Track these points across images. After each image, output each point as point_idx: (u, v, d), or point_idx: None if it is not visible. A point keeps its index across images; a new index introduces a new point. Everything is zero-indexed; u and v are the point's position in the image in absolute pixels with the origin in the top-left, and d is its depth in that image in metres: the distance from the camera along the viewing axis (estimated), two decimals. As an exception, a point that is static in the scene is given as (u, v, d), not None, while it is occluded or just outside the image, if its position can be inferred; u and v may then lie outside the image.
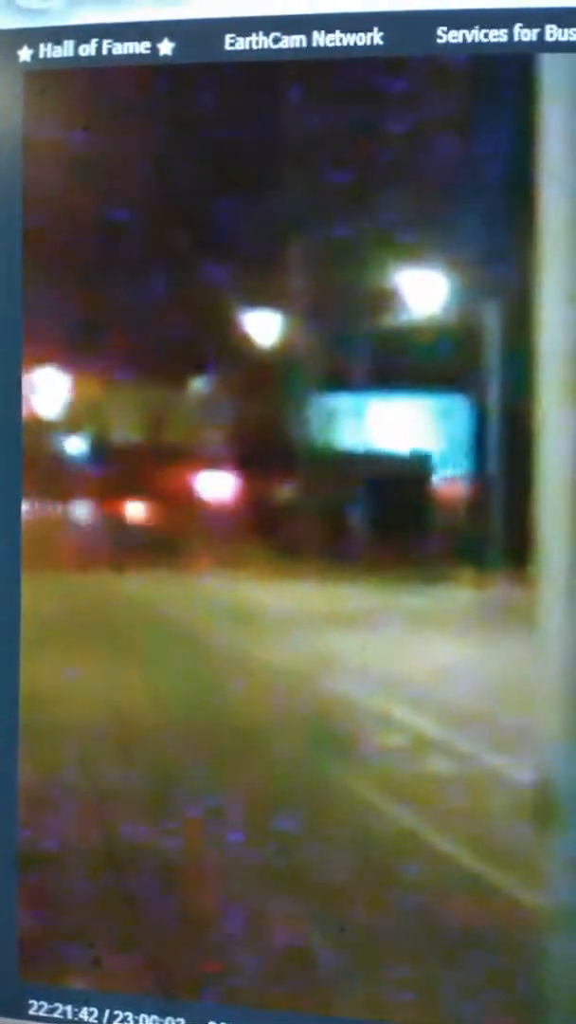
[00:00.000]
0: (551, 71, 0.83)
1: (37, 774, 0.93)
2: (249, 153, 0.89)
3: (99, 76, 0.90)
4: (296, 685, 0.89)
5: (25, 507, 0.92)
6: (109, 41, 0.90)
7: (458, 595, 0.87)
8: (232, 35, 0.87)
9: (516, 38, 0.83)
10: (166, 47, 0.89)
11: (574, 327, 0.84)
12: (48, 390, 0.93)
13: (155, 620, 0.92)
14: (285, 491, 0.90)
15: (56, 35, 0.90)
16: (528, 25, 0.83)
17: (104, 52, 0.90)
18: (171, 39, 0.88)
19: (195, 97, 0.89)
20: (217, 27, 0.87)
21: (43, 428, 0.93)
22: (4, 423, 0.92)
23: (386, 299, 0.87)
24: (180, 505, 0.91)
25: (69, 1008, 0.92)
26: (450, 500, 0.87)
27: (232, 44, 0.87)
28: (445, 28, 0.84)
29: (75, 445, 0.93)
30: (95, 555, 0.93)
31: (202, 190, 0.89)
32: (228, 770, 0.90)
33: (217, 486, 0.91)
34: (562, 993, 0.85)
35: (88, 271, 0.91)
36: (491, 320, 0.86)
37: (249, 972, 0.90)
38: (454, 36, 0.84)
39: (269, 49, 0.87)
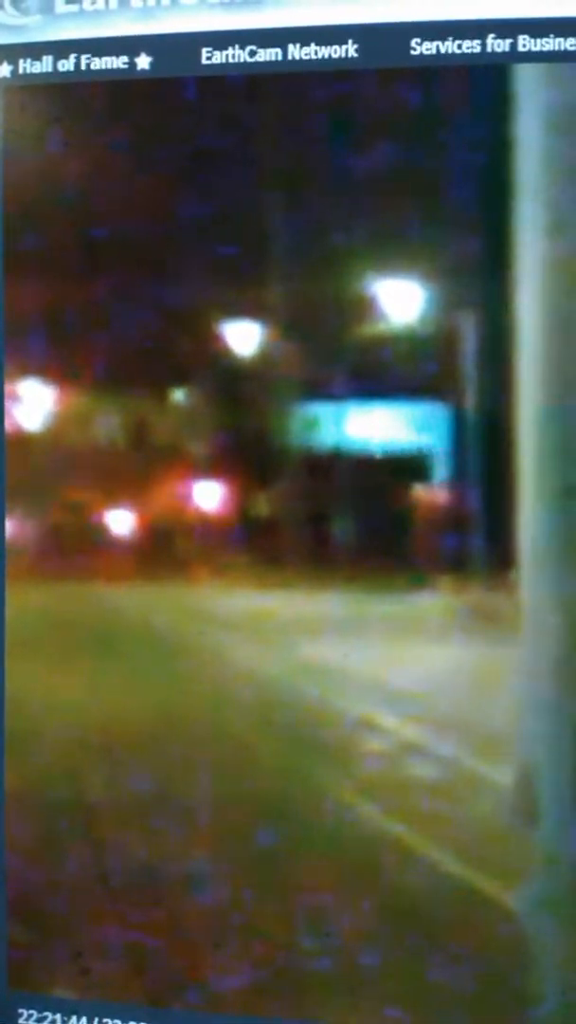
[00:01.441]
0: (524, 80, 0.84)
1: (23, 784, 0.93)
2: (228, 163, 0.89)
3: (78, 91, 0.90)
4: (279, 692, 0.90)
5: (8, 519, 0.93)
6: (88, 56, 0.90)
7: (440, 601, 0.87)
8: (209, 49, 0.88)
9: (489, 48, 0.84)
10: (144, 61, 0.89)
11: (551, 334, 0.85)
12: (30, 401, 0.93)
13: (138, 629, 0.92)
14: (267, 500, 0.91)
15: (35, 51, 0.91)
16: (501, 36, 0.84)
17: (83, 67, 0.90)
18: (148, 53, 0.89)
19: (173, 107, 0.90)
20: (194, 41, 0.88)
21: (26, 440, 0.93)
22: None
23: (365, 308, 0.88)
24: (162, 514, 0.92)
25: (59, 1017, 0.92)
26: (431, 507, 0.88)
27: (209, 58, 0.88)
28: (419, 40, 0.85)
29: (58, 456, 0.94)
30: (78, 565, 0.93)
31: (182, 201, 0.90)
32: (212, 777, 0.91)
33: (199, 495, 0.91)
34: (544, 990, 0.86)
35: (68, 285, 0.92)
36: (470, 328, 0.87)
37: (238, 979, 0.90)
38: (428, 47, 0.85)
39: (245, 62, 0.87)
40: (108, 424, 0.93)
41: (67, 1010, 0.92)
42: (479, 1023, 0.86)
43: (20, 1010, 0.93)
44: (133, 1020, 0.91)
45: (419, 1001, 0.88)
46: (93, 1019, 0.92)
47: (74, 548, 0.93)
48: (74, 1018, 0.92)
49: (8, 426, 0.93)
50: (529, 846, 0.85)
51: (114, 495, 0.93)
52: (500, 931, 0.86)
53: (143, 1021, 0.91)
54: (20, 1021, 0.93)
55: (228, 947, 0.91)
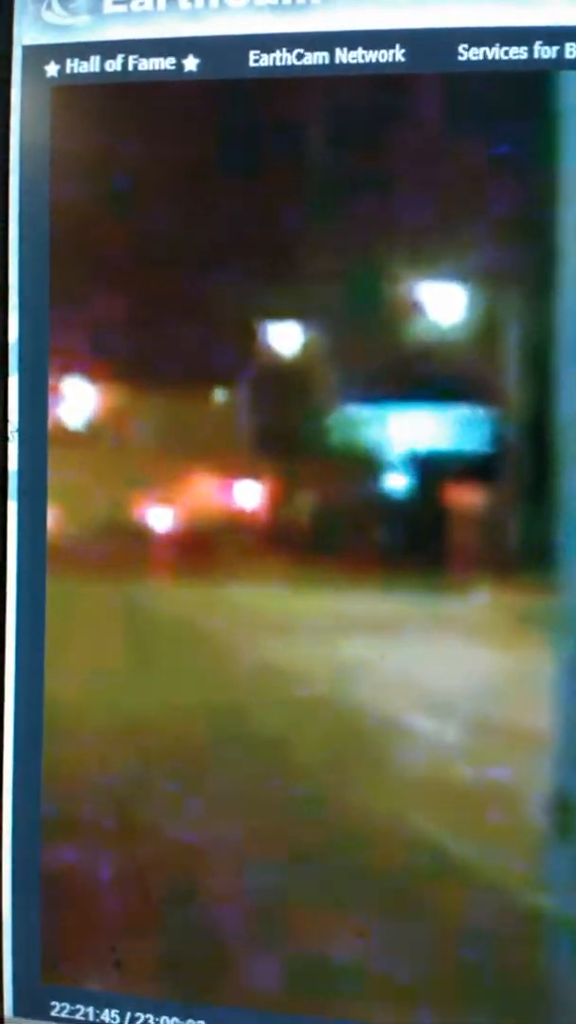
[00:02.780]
0: (570, 87, 0.85)
1: (60, 780, 0.94)
2: (273, 163, 0.90)
3: (125, 91, 0.91)
4: (314, 692, 0.90)
5: (50, 515, 0.93)
6: (135, 57, 0.91)
7: (479, 603, 0.87)
8: (256, 51, 0.89)
9: (536, 55, 0.85)
10: (191, 63, 0.90)
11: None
12: (73, 399, 0.94)
13: (173, 627, 0.93)
14: (308, 499, 0.91)
15: (83, 51, 0.92)
16: (548, 43, 0.84)
17: (130, 68, 0.91)
18: (196, 55, 0.90)
19: (220, 110, 0.90)
20: (241, 44, 0.89)
21: (68, 436, 0.94)
22: (30, 431, 0.93)
23: (407, 310, 0.88)
24: (202, 513, 0.92)
25: (91, 1010, 0.93)
26: (471, 507, 0.88)
27: (256, 60, 0.89)
28: (466, 45, 0.85)
29: (101, 454, 0.94)
30: (119, 563, 0.93)
31: (227, 200, 0.90)
32: (248, 777, 0.91)
33: (240, 494, 0.91)
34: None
35: (115, 282, 0.92)
36: (511, 330, 0.87)
37: (270, 976, 0.91)
38: (475, 53, 0.85)
39: (293, 65, 0.88)
40: (147, 423, 0.94)
41: (99, 1003, 0.93)
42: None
43: (53, 1003, 0.93)
44: (165, 1015, 0.92)
45: (451, 1004, 0.88)
46: (125, 1013, 0.92)
47: (112, 545, 0.93)
48: (107, 1011, 0.92)
49: (51, 423, 0.93)
50: (567, 853, 0.86)
51: (153, 493, 0.93)
52: (529, 935, 0.86)
53: (175, 1016, 0.91)
54: (53, 1013, 0.93)
55: (262, 943, 0.91)
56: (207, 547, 0.92)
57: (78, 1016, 0.93)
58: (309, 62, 0.88)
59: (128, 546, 0.93)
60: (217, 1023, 0.91)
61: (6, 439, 0.93)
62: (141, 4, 0.91)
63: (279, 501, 0.91)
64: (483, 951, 0.87)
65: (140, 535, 0.93)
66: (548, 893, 0.86)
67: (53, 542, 0.93)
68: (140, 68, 0.91)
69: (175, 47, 0.90)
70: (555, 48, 0.84)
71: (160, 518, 0.93)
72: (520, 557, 0.87)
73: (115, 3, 0.91)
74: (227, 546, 0.92)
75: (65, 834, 0.94)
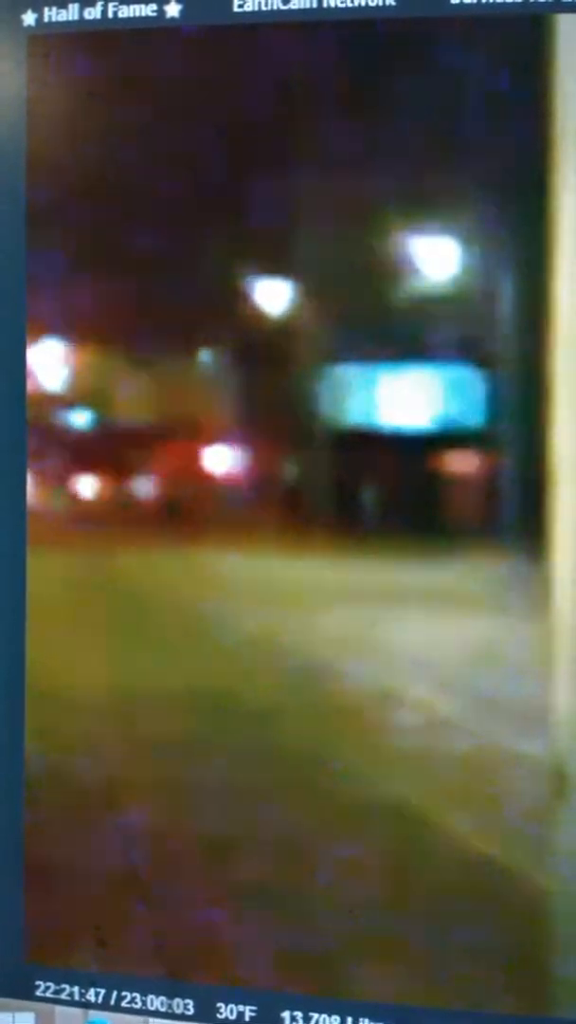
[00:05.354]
0: (566, 33, 0.81)
1: (42, 755, 0.92)
2: (257, 119, 0.87)
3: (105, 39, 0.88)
4: (304, 662, 0.88)
5: (30, 483, 0.91)
6: (115, 3, 0.88)
7: (470, 571, 0.85)
8: (241, -5, 0.86)
9: (532, -2, 0.82)
10: (173, 9, 0.87)
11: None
12: (52, 363, 0.91)
13: (162, 597, 0.91)
14: (295, 465, 0.89)
15: (61, -2, 0.89)
16: (545, -15, 0.81)
17: (110, 15, 0.88)
18: (178, 1, 0.87)
19: (203, 62, 0.87)
20: (225, -12, 0.86)
21: (47, 402, 0.92)
22: (8, 397, 0.91)
23: (397, 269, 0.86)
24: (188, 480, 0.90)
25: (76, 989, 0.91)
26: (463, 473, 0.86)
27: (241, 5, 0.86)
28: (459, -12, 0.82)
29: (80, 419, 0.92)
30: (101, 531, 0.91)
31: (210, 157, 0.88)
32: (234, 750, 0.89)
33: (226, 460, 0.89)
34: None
35: (93, 240, 0.90)
36: (506, 290, 0.85)
37: (258, 953, 0.89)
38: (468, -4, 0.82)
39: (279, 10, 0.85)
40: (130, 387, 0.91)
41: (85, 982, 0.91)
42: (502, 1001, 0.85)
43: (37, 982, 0.92)
44: (152, 992, 0.90)
45: (442, 977, 0.86)
46: (111, 991, 0.91)
47: (94, 514, 0.91)
48: (92, 990, 0.91)
49: (30, 388, 0.91)
50: (564, 823, 0.84)
51: (135, 460, 0.91)
52: (526, 907, 0.85)
53: (162, 994, 0.90)
54: (38, 993, 0.92)
55: (249, 919, 0.89)
56: (190, 515, 0.90)
57: (63, 996, 0.92)
58: (296, 6, 0.85)
59: (110, 514, 0.91)
60: (205, 1001, 0.89)
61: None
62: (121, -52, 0.88)
63: (266, 467, 0.89)
64: (478, 924, 0.85)
65: (123, 502, 0.91)
66: (543, 863, 0.84)
67: (33, 511, 0.91)
68: (120, 15, 0.88)
69: (156, -8, 0.87)
70: (552, -9, 0.81)
71: (141, 485, 0.91)
72: (513, 523, 0.84)
73: (94, -53, 0.88)
74: (210, 514, 0.89)
75: (49, 811, 0.92)
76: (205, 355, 0.90)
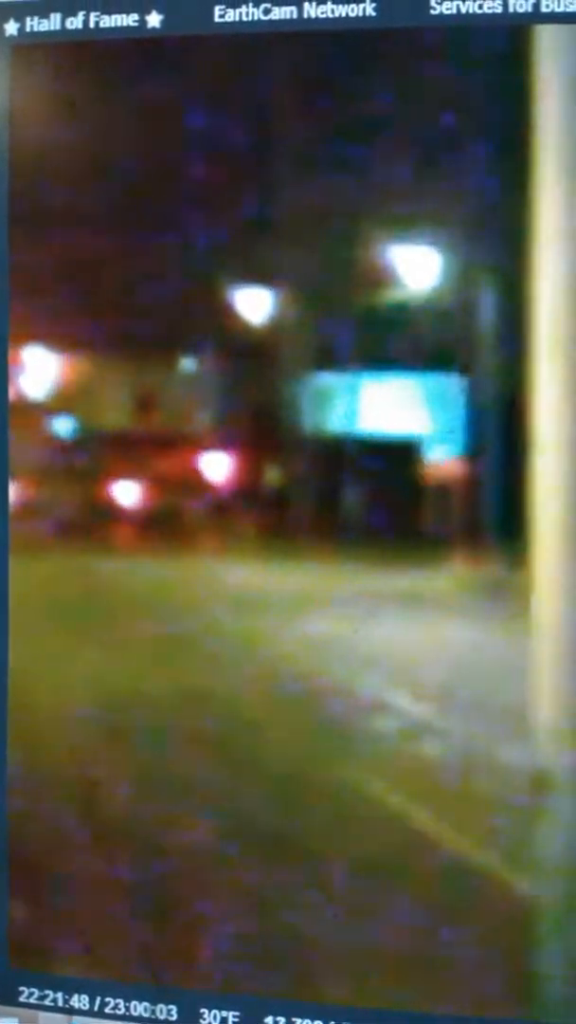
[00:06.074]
0: (546, 42, 0.82)
1: (26, 760, 0.92)
2: (240, 125, 0.87)
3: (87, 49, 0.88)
4: (287, 668, 0.88)
5: (12, 490, 0.91)
6: (96, 14, 0.88)
7: (452, 577, 0.85)
8: (222, 6, 0.86)
9: (511, 8, 0.82)
10: (154, 19, 0.87)
11: (570, 305, 0.83)
12: (35, 370, 0.92)
13: (142, 603, 0.91)
14: (278, 472, 0.89)
15: (43, 8, 0.89)
16: (523, -5, 0.82)
17: (92, 25, 0.88)
18: (159, 11, 0.87)
19: (183, 70, 0.88)
20: (207, -2, 0.86)
21: (30, 409, 0.91)
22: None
23: (379, 275, 0.86)
24: (171, 487, 0.90)
25: (60, 995, 0.91)
26: (444, 480, 0.86)
27: (222, 15, 0.86)
28: (439, -1, 0.83)
29: (63, 426, 0.92)
30: (84, 538, 0.91)
31: (192, 163, 0.88)
32: (219, 755, 0.89)
33: (209, 467, 0.89)
34: (555, 977, 0.85)
35: (75, 247, 0.90)
36: (486, 298, 0.85)
37: (241, 958, 0.89)
38: (448, 7, 0.82)
39: (259, 20, 0.85)
40: (114, 393, 0.92)
41: (68, 988, 0.91)
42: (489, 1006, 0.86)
43: (21, 988, 0.92)
44: (135, 999, 0.90)
45: (427, 982, 0.87)
46: (95, 997, 0.91)
47: (79, 520, 0.91)
48: (76, 996, 0.91)
49: (12, 395, 0.91)
50: (543, 828, 0.84)
51: (120, 466, 0.91)
52: (509, 910, 0.85)
53: (146, 1000, 0.90)
54: (21, 999, 0.92)
55: (233, 925, 0.89)
56: (174, 521, 0.90)
57: (47, 1001, 0.92)
58: (276, 16, 0.85)
59: (94, 521, 0.91)
60: (188, 1006, 0.89)
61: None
62: (103, -42, 0.88)
63: (248, 474, 0.89)
64: (459, 927, 0.85)
65: (106, 510, 0.91)
66: (524, 867, 0.85)
67: (16, 514, 0.91)
68: (102, 25, 0.88)
69: (138, 3, 0.87)
70: (531, 1, 0.82)
71: (126, 492, 0.91)
72: (493, 530, 0.85)
73: (76, -43, 0.89)
74: (194, 520, 0.89)
75: (32, 817, 0.92)
76: (187, 363, 0.91)
